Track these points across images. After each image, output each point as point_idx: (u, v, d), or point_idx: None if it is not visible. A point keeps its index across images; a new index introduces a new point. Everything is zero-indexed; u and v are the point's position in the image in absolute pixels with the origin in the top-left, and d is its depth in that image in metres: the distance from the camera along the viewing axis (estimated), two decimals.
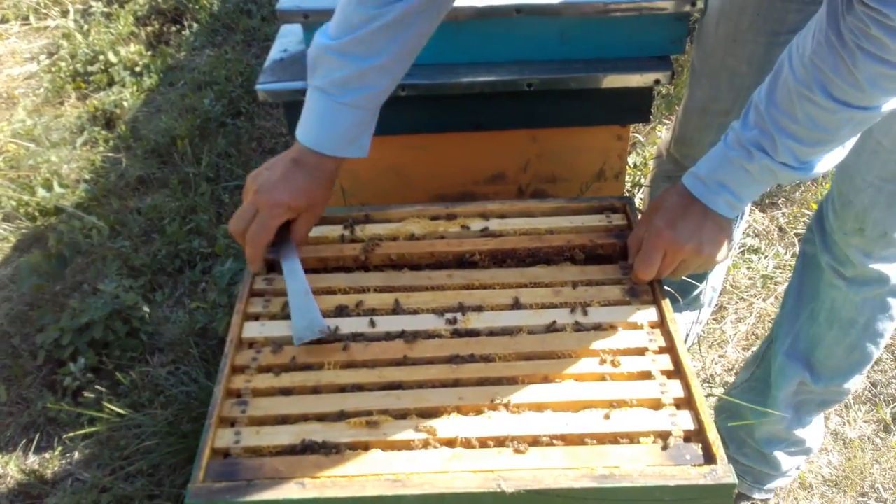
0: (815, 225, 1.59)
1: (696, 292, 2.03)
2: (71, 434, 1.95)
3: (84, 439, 1.94)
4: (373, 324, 1.31)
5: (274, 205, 1.30)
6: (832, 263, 1.54)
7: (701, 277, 1.98)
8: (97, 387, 1.98)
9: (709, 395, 2.00)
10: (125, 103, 3.13)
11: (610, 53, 1.68)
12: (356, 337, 1.30)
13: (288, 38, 1.85)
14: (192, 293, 2.31)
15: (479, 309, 1.34)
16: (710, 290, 2.07)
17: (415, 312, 1.34)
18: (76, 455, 1.94)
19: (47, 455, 1.95)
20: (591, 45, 1.67)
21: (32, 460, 1.95)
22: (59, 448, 1.96)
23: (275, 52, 1.80)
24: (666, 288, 1.35)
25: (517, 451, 1.11)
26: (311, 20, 1.64)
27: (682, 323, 2.10)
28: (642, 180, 2.60)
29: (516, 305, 1.35)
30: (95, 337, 2.10)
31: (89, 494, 1.81)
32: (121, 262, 2.38)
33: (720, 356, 2.16)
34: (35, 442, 1.98)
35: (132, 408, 1.89)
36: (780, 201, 2.57)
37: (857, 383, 1.72)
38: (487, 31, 1.65)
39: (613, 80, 1.66)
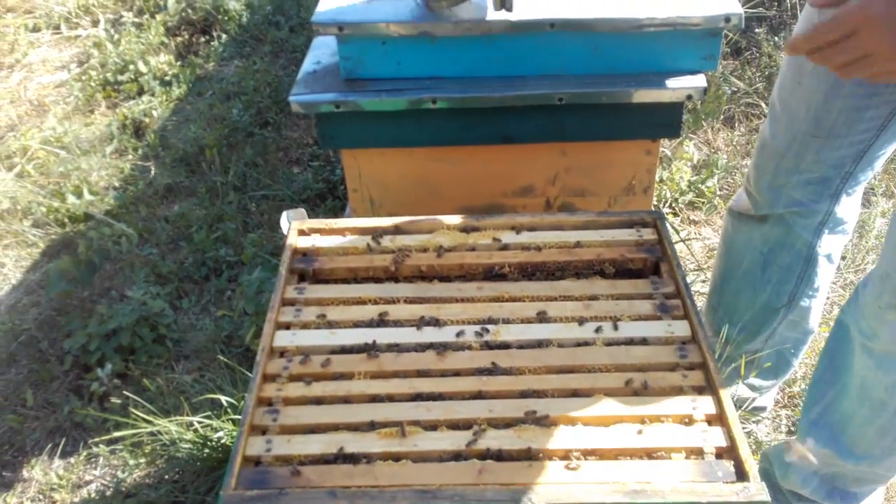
0: (852, 301, 1.48)
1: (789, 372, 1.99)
2: (97, 439, 1.96)
3: (110, 444, 1.95)
4: (403, 335, 1.32)
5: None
6: (861, 338, 1.43)
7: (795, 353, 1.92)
8: (124, 392, 1.99)
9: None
10: (154, 112, 3.16)
11: (642, 68, 1.68)
12: (387, 347, 1.30)
13: (321, 49, 1.86)
14: (218, 301, 2.33)
15: (508, 321, 1.34)
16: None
17: (445, 324, 1.34)
18: (101, 460, 1.96)
19: (72, 460, 1.97)
20: (624, 60, 1.67)
21: (57, 465, 1.96)
22: (85, 453, 1.97)
23: (308, 64, 1.82)
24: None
25: (548, 464, 1.10)
26: (346, 33, 1.65)
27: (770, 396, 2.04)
28: (668, 194, 2.59)
29: (546, 318, 1.35)
30: (122, 343, 2.12)
31: (114, 500, 1.82)
32: (148, 270, 2.40)
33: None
34: (61, 447, 1.99)
35: (158, 414, 1.90)
36: None
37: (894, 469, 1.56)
38: (520, 45, 1.66)
39: (645, 95, 1.66)
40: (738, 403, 1.92)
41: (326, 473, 1.11)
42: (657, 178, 2.62)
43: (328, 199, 2.66)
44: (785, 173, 1.62)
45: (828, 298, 2.35)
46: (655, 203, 2.57)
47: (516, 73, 1.70)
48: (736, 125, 2.97)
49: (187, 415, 1.88)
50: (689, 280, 2.34)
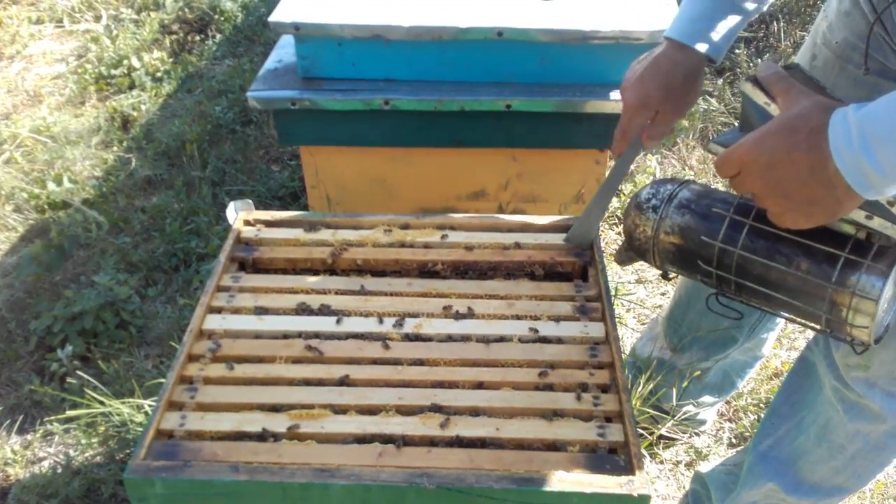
0: (821, 340, 1.45)
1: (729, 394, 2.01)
2: (53, 418, 2.02)
3: (65, 423, 2.00)
4: (327, 324, 1.36)
5: (628, 106, 1.33)
6: (835, 383, 1.40)
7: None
8: (78, 373, 2.04)
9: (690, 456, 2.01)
10: (143, 107, 3.23)
11: (588, 79, 1.73)
12: (312, 335, 1.35)
13: (285, 49, 1.92)
14: (185, 291, 2.38)
15: (431, 316, 1.39)
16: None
17: (370, 315, 1.39)
18: (56, 439, 2.01)
19: (29, 437, 2.02)
20: (570, 71, 1.72)
21: (14, 441, 2.01)
22: (41, 430, 2.02)
23: (270, 62, 1.88)
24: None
25: (446, 451, 1.15)
26: (302, 32, 1.71)
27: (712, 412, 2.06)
28: None
29: (469, 315, 1.39)
30: (85, 326, 2.17)
31: (62, 476, 1.87)
32: (119, 257, 2.46)
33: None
34: (18, 423, 2.04)
35: (114, 396, 1.95)
36: None
37: (838, 501, 1.57)
38: (469, 52, 1.71)
39: (589, 106, 1.71)
40: (674, 414, 1.95)
41: (233, 449, 1.15)
42: (624, 192, 2.66)
43: (301, 197, 2.71)
44: None
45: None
46: (620, 217, 2.61)
47: (467, 79, 1.76)
48: None
49: (140, 398, 1.93)
50: (654, 289, 2.39)
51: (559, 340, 1.34)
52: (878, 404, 1.35)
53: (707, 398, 1.98)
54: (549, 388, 1.25)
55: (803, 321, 1.15)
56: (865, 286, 1.02)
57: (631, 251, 1.31)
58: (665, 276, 1.31)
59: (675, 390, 1.89)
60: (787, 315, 1.19)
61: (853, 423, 1.40)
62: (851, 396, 1.39)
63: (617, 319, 1.40)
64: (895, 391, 1.34)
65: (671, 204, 1.22)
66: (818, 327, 1.11)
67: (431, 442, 1.17)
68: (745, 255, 1.12)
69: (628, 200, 1.26)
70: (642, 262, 1.37)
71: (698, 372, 1.89)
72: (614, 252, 1.34)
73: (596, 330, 1.35)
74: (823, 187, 0.94)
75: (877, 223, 1.00)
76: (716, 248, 1.15)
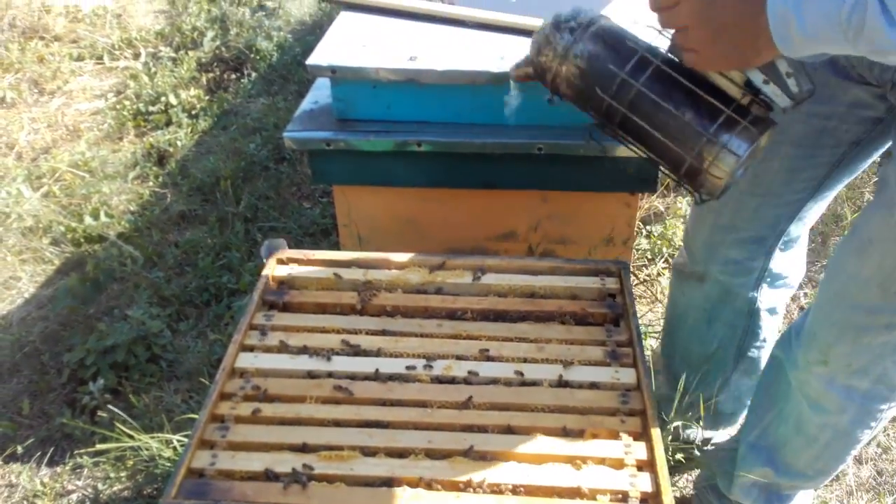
0: (784, 339, 1.57)
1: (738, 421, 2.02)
2: (83, 451, 2.03)
3: (95, 456, 2.01)
4: (358, 364, 1.37)
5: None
6: (799, 379, 1.52)
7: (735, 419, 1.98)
8: (113, 408, 2.06)
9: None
10: (179, 143, 3.29)
11: None
12: (341, 376, 1.36)
13: (321, 90, 1.95)
14: (216, 326, 2.40)
15: (462, 358, 1.39)
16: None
17: (400, 357, 1.39)
18: (85, 472, 2.02)
19: (59, 469, 2.04)
20: None
21: (44, 473, 2.03)
22: (71, 463, 2.04)
23: (306, 104, 1.91)
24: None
25: (475, 497, 1.14)
26: (339, 75, 1.74)
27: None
28: (664, 250, 2.62)
29: (499, 358, 1.39)
30: (117, 360, 2.19)
31: None
32: (152, 291, 2.49)
33: None
34: (49, 455, 2.06)
35: (143, 431, 1.96)
36: None
37: (826, 480, 1.70)
38: (502, 95, 1.73)
39: (620, 150, 1.71)
40: (692, 442, 1.95)
41: (263, 490, 1.16)
42: (654, 234, 2.66)
43: (332, 234, 2.73)
44: (721, 231, 1.66)
45: None
46: (649, 258, 2.60)
47: (499, 122, 1.77)
48: None
49: (169, 433, 1.94)
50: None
51: (590, 386, 1.33)
52: (838, 397, 1.44)
53: (722, 430, 2.00)
54: (580, 434, 1.24)
55: (664, 166, 1.25)
56: (734, 143, 1.14)
57: (531, 66, 1.33)
58: (550, 101, 1.37)
59: (697, 427, 1.88)
60: (653, 156, 1.26)
61: (819, 417, 1.50)
62: (813, 393, 1.49)
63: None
64: (853, 384, 1.42)
65: (587, 30, 1.25)
66: (678, 174, 1.21)
67: (459, 487, 1.17)
68: (643, 92, 1.18)
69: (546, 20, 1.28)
70: None
71: (714, 411, 1.90)
72: (512, 67, 1.38)
73: (627, 376, 1.35)
74: (750, 34, 1.01)
75: (770, 89, 1.10)
76: (619, 78, 1.20)
